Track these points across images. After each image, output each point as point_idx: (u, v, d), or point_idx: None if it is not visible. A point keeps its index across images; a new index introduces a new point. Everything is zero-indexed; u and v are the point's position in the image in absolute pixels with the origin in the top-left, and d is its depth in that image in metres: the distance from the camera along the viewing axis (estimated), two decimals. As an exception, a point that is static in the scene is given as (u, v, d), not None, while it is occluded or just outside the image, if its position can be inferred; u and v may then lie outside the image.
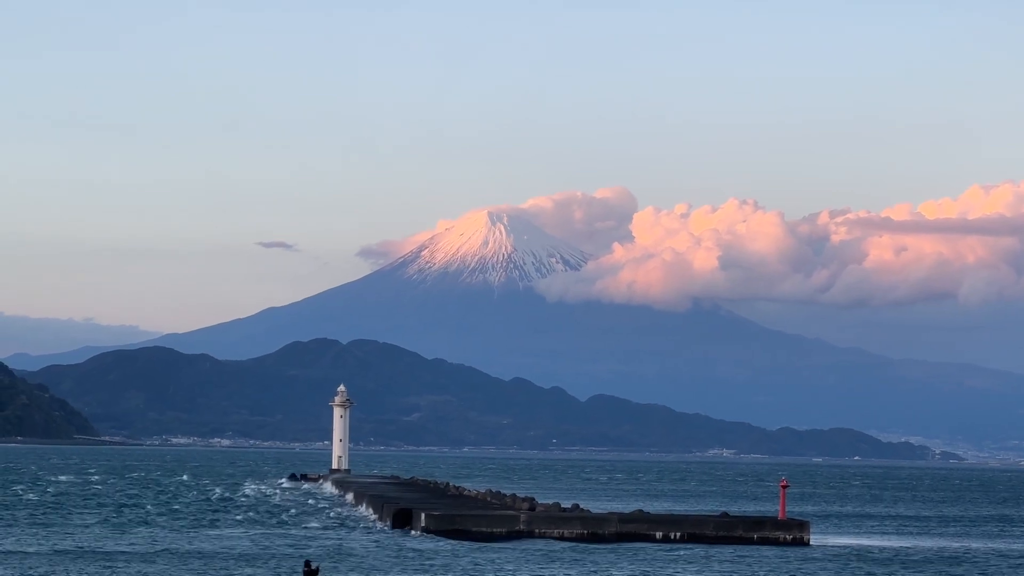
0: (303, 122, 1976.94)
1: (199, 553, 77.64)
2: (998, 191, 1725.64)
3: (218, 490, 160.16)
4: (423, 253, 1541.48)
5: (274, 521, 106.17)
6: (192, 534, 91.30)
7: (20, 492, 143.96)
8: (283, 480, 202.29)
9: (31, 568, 68.37)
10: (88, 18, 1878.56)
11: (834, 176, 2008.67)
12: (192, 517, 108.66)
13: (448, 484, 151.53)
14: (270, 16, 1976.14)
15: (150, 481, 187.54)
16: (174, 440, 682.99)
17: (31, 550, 77.24)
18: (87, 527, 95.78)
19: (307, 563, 58.16)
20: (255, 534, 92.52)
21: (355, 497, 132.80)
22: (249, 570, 69.82)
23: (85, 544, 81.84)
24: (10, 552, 75.86)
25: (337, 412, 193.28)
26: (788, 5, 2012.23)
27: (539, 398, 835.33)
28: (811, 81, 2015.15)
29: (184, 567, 70.36)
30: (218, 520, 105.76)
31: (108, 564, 71.05)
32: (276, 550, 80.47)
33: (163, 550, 78.93)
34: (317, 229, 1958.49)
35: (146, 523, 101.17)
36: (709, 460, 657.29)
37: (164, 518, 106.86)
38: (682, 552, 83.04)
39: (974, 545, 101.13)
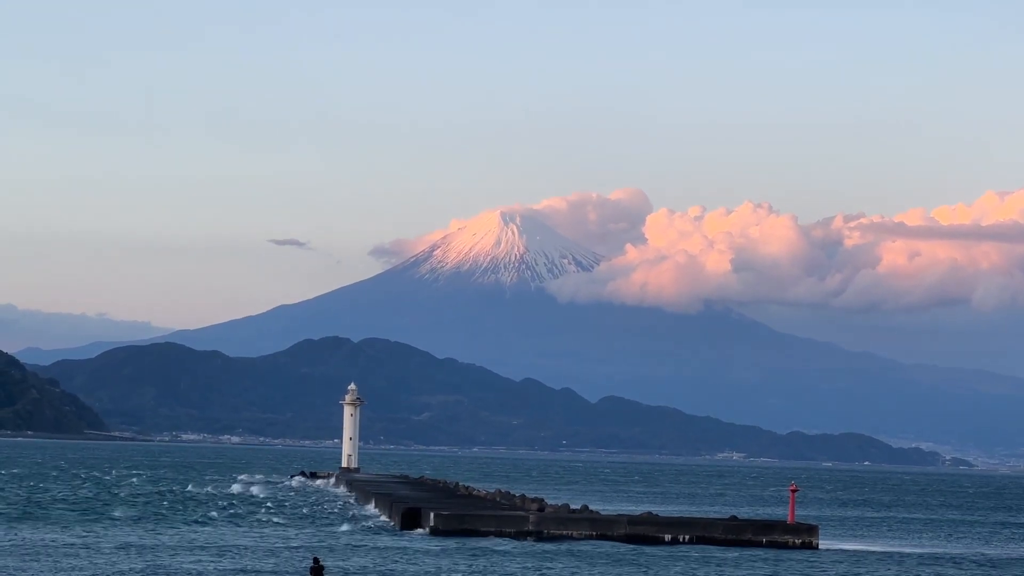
0: (316, 120, 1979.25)
1: (207, 547, 77.66)
2: (1013, 198, 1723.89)
3: (235, 487, 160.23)
4: (435, 252, 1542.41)
5: (283, 518, 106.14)
6: (200, 529, 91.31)
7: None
8: (292, 478, 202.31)
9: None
10: (103, 17, 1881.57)
11: (848, 180, 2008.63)
12: (201, 512, 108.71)
13: (457, 484, 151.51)
14: (285, 14, 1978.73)
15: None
16: (184, 436, 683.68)
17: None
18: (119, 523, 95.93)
19: (315, 560, 58.18)
20: (264, 530, 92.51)
21: (364, 495, 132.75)
22: (257, 565, 69.78)
23: (115, 539, 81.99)
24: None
25: (347, 410, 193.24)
26: (805, 8, 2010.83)
27: (550, 399, 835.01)
28: (827, 85, 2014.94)
29: (192, 561, 70.35)
30: (227, 516, 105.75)
31: (129, 556, 71.17)
32: (284, 546, 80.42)
33: (172, 544, 78.99)
34: (330, 227, 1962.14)
35: (161, 517, 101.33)
36: (719, 463, 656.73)
37: (178, 513, 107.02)
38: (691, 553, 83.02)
39: (986, 551, 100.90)
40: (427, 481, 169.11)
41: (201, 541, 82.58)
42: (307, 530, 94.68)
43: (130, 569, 66.95)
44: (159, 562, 70.14)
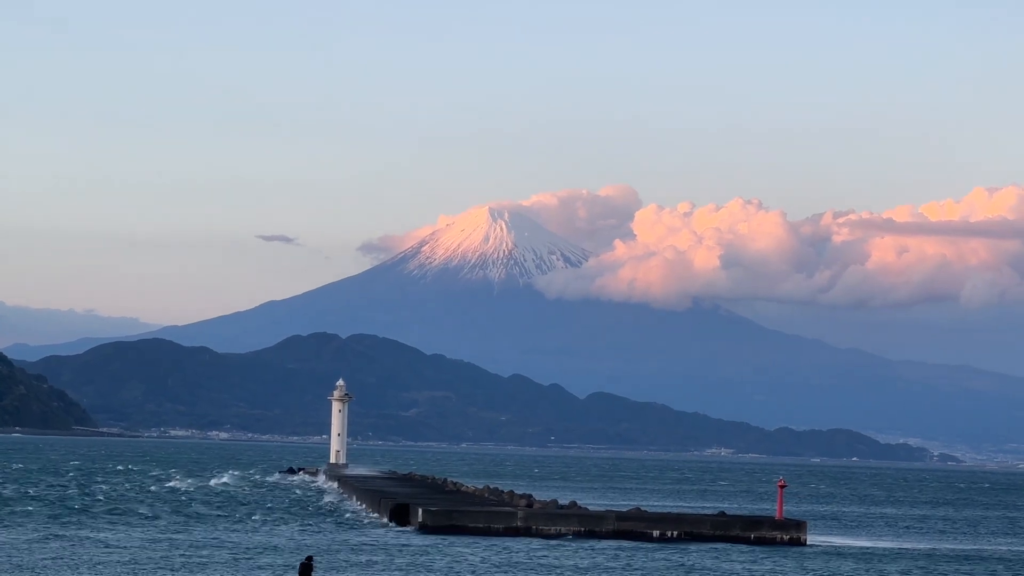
0: (305, 116, 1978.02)
1: (195, 544, 77.63)
2: (1001, 194, 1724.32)
3: (213, 482, 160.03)
4: (424, 248, 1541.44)
5: (272, 514, 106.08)
6: (190, 528, 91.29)
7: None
8: (280, 473, 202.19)
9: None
10: (95, 16, 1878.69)
11: (838, 177, 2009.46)
12: (194, 511, 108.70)
13: (446, 479, 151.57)
14: (271, 11, 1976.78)
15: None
16: (172, 432, 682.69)
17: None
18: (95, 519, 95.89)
19: (308, 557, 57.88)
20: (251, 527, 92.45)
21: (352, 492, 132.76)
22: (247, 561, 69.75)
23: (84, 535, 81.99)
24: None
25: (335, 406, 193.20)
26: (793, 5, 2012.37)
27: (538, 395, 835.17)
28: (816, 81, 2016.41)
29: (184, 558, 70.31)
30: (217, 513, 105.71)
31: (117, 553, 71.18)
32: (272, 543, 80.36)
33: (162, 540, 79.02)
34: (318, 223, 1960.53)
35: (158, 516, 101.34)
36: (709, 460, 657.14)
37: (173, 511, 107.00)
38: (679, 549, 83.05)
39: (972, 546, 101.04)
40: (415, 477, 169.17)
41: (191, 538, 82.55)
42: (294, 526, 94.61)
43: (126, 562, 67.04)
44: (155, 554, 70.19)
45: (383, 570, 68.64)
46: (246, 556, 72.82)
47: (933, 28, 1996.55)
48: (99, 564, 67.21)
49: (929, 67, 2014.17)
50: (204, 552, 74.06)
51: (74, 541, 78.01)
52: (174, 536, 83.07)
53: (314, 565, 57.32)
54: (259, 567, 68.28)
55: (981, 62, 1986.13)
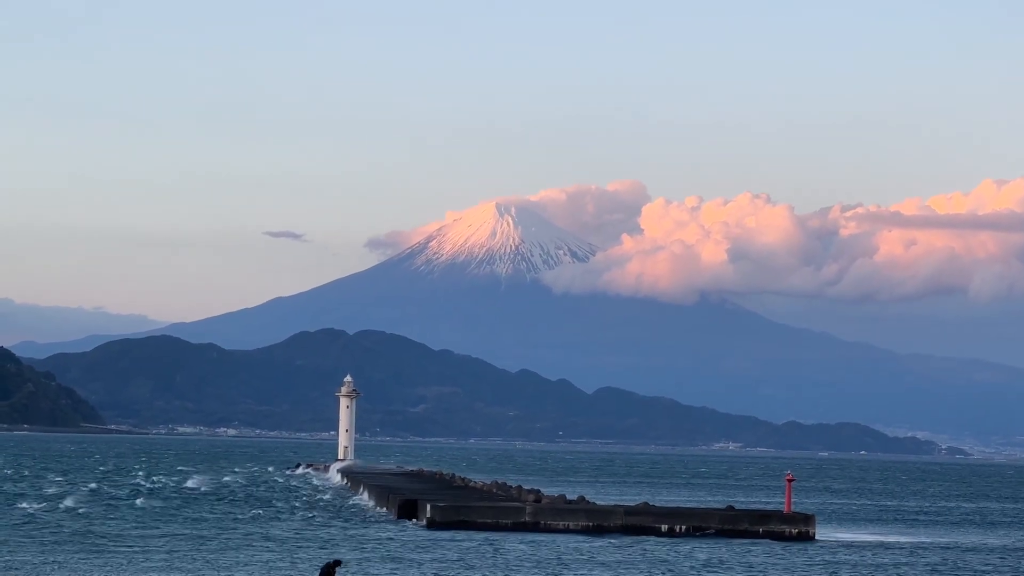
0: (312, 112, 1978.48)
1: (206, 540, 77.64)
2: (1011, 186, 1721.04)
3: (226, 478, 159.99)
4: (431, 244, 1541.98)
5: (281, 510, 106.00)
6: (202, 524, 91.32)
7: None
8: (289, 469, 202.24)
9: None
10: (98, 15, 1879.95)
11: (846, 170, 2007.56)
12: (205, 507, 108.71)
13: (453, 475, 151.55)
14: (280, 7, 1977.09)
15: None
16: (180, 429, 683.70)
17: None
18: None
19: (337, 562, 56.35)
20: (261, 524, 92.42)
21: (360, 487, 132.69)
22: (261, 559, 69.73)
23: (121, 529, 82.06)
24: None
25: (343, 402, 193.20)
26: (801, 2, 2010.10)
27: (546, 390, 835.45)
28: (823, 75, 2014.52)
29: (195, 554, 70.30)
30: (225, 510, 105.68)
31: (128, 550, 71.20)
32: (280, 541, 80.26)
33: (177, 535, 79.00)
34: (325, 219, 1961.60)
35: (175, 512, 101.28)
36: (715, 453, 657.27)
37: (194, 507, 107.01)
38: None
39: (985, 539, 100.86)
40: (423, 473, 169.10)
41: (202, 534, 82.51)
42: (302, 523, 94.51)
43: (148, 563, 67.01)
44: (165, 552, 70.18)
45: (388, 567, 68.50)
46: (255, 553, 72.78)
47: (940, 20, 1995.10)
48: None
49: (936, 59, 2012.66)
50: (209, 549, 74.00)
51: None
52: (188, 530, 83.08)
53: (337, 573, 56.06)
54: (277, 566, 68.20)
55: (989, 54, 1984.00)
